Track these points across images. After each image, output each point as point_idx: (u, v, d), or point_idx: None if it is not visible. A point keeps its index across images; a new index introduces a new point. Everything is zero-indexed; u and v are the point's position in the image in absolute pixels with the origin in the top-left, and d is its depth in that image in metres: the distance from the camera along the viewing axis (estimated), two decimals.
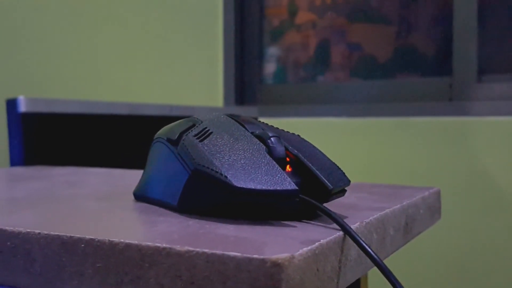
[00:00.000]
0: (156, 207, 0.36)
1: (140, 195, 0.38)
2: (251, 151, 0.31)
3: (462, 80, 1.42)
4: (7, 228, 0.28)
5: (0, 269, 0.28)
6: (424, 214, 0.44)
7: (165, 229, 0.28)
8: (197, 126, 0.34)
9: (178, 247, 0.24)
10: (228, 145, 0.32)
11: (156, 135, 0.38)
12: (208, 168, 0.30)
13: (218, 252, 0.23)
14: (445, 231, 1.36)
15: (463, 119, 1.33)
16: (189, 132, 0.34)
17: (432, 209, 0.46)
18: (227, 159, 0.31)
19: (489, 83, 1.40)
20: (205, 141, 0.32)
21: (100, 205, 0.37)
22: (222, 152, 0.31)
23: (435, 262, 1.37)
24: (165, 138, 0.36)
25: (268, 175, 0.30)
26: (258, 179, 0.29)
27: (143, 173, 0.39)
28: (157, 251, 0.24)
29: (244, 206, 0.30)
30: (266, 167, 0.30)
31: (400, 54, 1.52)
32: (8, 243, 0.28)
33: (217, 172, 0.30)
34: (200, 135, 0.33)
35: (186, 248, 0.24)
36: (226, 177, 0.29)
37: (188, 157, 0.32)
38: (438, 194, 0.48)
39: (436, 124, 1.36)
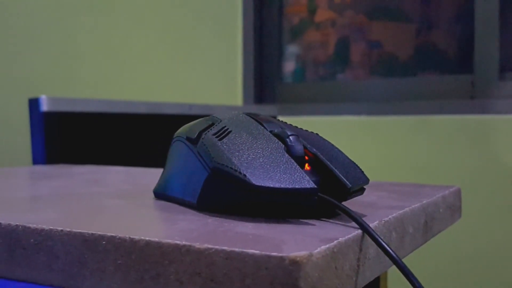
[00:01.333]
0: (176, 205, 0.36)
1: (160, 193, 0.39)
2: (269, 149, 0.32)
3: (483, 78, 1.40)
4: (30, 225, 0.28)
5: (23, 265, 0.28)
6: (444, 213, 0.43)
7: (184, 227, 0.28)
8: (216, 125, 0.35)
9: (197, 245, 0.24)
10: (247, 144, 0.32)
11: (175, 134, 0.38)
12: (227, 166, 0.31)
13: (237, 249, 0.23)
14: (466, 230, 1.35)
15: (484, 117, 1.32)
16: (208, 131, 0.34)
17: (452, 208, 0.46)
18: (246, 158, 0.31)
19: (511, 80, 1.38)
20: (224, 140, 0.32)
21: (120, 203, 0.37)
22: (241, 151, 0.31)
23: (455, 261, 1.36)
24: (185, 137, 0.36)
25: (287, 173, 0.30)
26: (277, 177, 0.30)
27: (163, 172, 0.40)
28: (177, 248, 0.24)
29: (263, 204, 0.31)
30: (284, 165, 0.30)
31: (421, 52, 1.50)
32: (32, 240, 0.28)
33: (236, 170, 0.30)
34: (219, 134, 0.33)
35: (206, 245, 0.24)
36: (245, 175, 0.30)
37: (207, 156, 0.32)
38: (458, 193, 0.48)
39: (458, 122, 1.35)
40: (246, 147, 0.32)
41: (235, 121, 0.34)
